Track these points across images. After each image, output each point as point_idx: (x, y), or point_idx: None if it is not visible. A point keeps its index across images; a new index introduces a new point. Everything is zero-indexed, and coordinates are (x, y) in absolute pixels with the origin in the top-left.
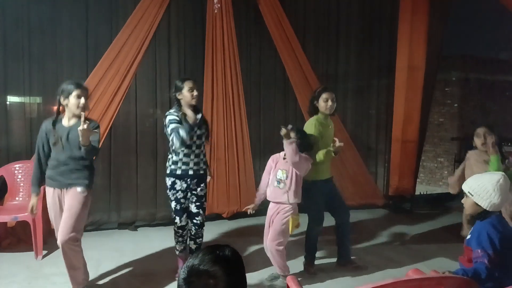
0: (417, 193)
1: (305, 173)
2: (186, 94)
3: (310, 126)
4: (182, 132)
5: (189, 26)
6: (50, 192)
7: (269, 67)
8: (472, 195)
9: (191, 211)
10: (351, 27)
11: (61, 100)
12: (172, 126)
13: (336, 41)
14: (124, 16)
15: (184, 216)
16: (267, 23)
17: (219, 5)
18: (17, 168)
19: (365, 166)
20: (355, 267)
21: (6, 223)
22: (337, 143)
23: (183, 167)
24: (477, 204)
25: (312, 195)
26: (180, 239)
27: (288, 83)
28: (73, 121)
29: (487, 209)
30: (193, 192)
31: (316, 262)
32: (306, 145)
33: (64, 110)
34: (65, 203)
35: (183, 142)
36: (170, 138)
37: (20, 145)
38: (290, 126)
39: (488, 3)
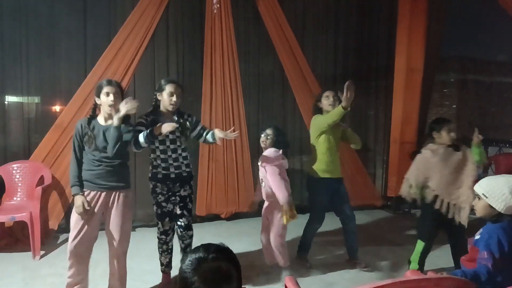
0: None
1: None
2: (165, 97)
3: (313, 122)
4: (141, 138)
5: (188, 26)
6: (88, 194)
7: (268, 68)
8: (487, 197)
9: (175, 214)
10: (350, 28)
11: (96, 99)
12: (137, 127)
13: (335, 42)
14: (123, 16)
15: (167, 220)
16: (266, 24)
17: (218, 6)
18: (15, 168)
19: (364, 167)
20: (357, 264)
21: (3, 223)
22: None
23: (164, 171)
24: (491, 207)
25: (314, 192)
26: (165, 247)
27: (287, 83)
28: (110, 121)
29: (502, 211)
30: (176, 194)
31: (317, 262)
32: (282, 143)
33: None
34: (114, 209)
35: (137, 147)
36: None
37: (18, 145)
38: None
39: (487, 5)
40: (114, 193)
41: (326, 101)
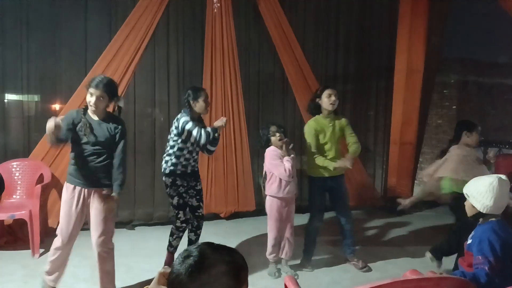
0: (414, 194)
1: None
2: (202, 104)
3: (307, 129)
4: (206, 133)
5: (188, 26)
6: (70, 189)
7: (268, 67)
8: (469, 197)
9: (192, 205)
10: (351, 28)
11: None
12: (191, 124)
13: (335, 42)
14: (123, 14)
15: (187, 209)
16: (266, 23)
17: (218, 5)
18: (14, 166)
19: (363, 168)
20: (354, 264)
21: (3, 221)
22: (342, 163)
23: (183, 168)
24: (473, 206)
25: (311, 191)
26: (181, 234)
27: (287, 83)
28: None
29: (481, 211)
30: (194, 188)
31: (317, 261)
32: (262, 141)
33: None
34: (93, 207)
35: (207, 139)
36: (196, 133)
37: (18, 143)
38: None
39: (488, 6)
40: (97, 190)
41: (327, 100)
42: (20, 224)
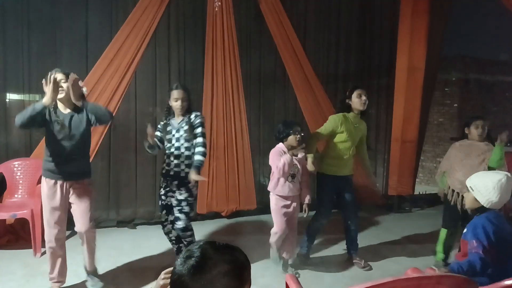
0: (416, 193)
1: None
2: (172, 103)
3: (333, 119)
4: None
5: (189, 24)
6: (50, 184)
7: (269, 66)
8: (473, 190)
9: (174, 215)
10: (352, 26)
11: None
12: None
13: (337, 40)
14: (124, 13)
15: (164, 212)
16: (267, 21)
17: (219, 3)
18: (16, 165)
19: None
20: (356, 263)
21: (4, 220)
22: (311, 166)
23: (166, 167)
24: (476, 200)
25: (321, 188)
26: (167, 237)
27: (288, 82)
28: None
29: (485, 206)
30: (174, 195)
31: (318, 260)
32: (280, 134)
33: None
34: (76, 197)
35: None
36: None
37: (19, 142)
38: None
39: (489, 4)
40: (78, 181)
41: (358, 100)
42: (21, 223)
